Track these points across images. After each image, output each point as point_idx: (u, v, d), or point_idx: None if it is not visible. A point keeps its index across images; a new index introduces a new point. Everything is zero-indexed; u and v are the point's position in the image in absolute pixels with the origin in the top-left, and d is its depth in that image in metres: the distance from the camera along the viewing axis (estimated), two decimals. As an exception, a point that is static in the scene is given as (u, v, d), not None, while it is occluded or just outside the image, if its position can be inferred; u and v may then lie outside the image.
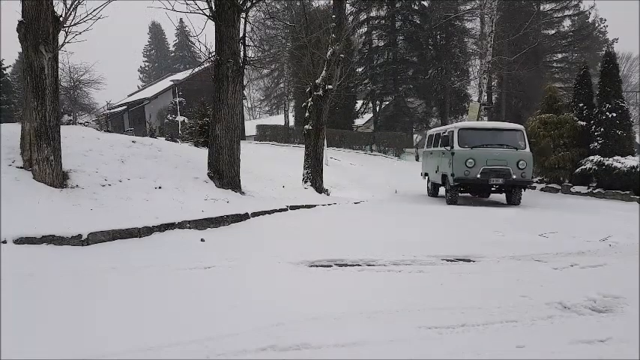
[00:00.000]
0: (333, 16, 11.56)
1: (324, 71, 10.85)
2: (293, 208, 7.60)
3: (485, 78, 20.63)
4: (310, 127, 11.06)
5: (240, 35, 7.72)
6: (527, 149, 10.64)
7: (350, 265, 4.29)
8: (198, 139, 14.36)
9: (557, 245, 5.85)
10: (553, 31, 28.21)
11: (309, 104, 11.18)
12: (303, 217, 7.08)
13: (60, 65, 6.31)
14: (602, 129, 14.46)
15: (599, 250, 5.71)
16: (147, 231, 5.07)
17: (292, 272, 3.93)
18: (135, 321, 2.65)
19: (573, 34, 28.35)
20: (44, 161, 5.47)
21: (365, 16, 28.51)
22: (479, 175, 10.14)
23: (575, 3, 27.69)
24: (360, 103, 29.50)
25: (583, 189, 14.38)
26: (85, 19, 6.01)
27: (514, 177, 10.14)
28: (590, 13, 29.64)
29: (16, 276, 3.38)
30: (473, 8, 25.03)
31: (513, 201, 10.62)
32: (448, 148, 10.74)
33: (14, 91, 29.73)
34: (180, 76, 30.92)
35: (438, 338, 2.57)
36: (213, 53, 7.59)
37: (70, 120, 22.56)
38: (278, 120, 33.08)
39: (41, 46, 5.43)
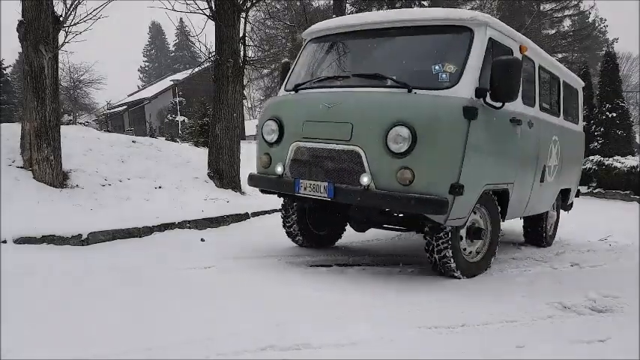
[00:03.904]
0: (334, 16, 11.57)
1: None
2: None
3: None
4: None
5: (240, 35, 7.71)
6: (467, 94, 3.53)
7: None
8: (198, 139, 14.35)
9: (558, 245, 5.87)
10: (553, 31, 28.20)
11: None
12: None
13: (60, 65, 6.32)
14: (602, 129, 14.46)
15: (600, 250, 5.72)
16: (147, 231, 5.07)
17: (292, 271, 3.93)
18: (135, 321, 2.65)
19: (573, 33, 28.34)
20: (44, 161, 5.47)
21: (365, 16, 28.40)
22: (286, 171, 3.96)
23: (575, 3, 27.67)
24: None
25: (583, 189, 14.37)
26: (85, 19, 6.01)
27: (370, 185, 3.48)
28: (590, 13, 29.65)
29: (16, 276, 3.38)
30: (473, 8, 25.06)
31: (440, 269, 3.84)
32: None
33: (14, 90, 29.72)
34: (180, 76, 30.92)
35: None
36: (213, 53, 7.58)
37: (70, 120, 22.56)
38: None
39: (41, 46, 5.43)
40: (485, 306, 3.15)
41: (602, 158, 13.91)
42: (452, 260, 3.77)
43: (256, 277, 3.69)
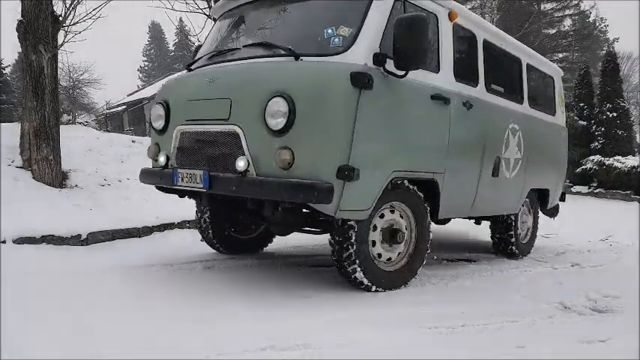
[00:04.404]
0: None
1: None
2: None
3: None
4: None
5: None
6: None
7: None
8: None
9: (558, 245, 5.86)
10: (554, 31, 28.19)
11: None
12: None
13: (59, 65, 6.32)
14: (602, 129, 14.47)
15: (600, 249, 5.72)
16: (147, 231, 5.07)
17: (291, 270, 3.93)
18: (135, 320, 2.64)
19: (574, 33, 28.34)
20: (43, 161, 5.47)
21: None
22: (172, 161, 3.48)
23: (576, 2, 27.68)
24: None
25: (584, 189, 14.36)
26: (84, 19, 6.02)
27: (248, 171, 2.98)
28: (590, 13, 29.63)
29: (16, 276, 3.37)
30: (473, 8, 25.04)
31: (347, 278, 3.30)
32: None
33: (13, 90, 29.72)
34: (180, 75, 30.86)
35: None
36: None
37: (70, 120, 22.57)
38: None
39: (41, 46, 5.43)
40: (485, 306, 3.15)
41: (602, 158, 13.92)
42: (359, 269, 3.17)
43: (253, 276, 3.69)
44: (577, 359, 2.37)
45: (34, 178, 5.46)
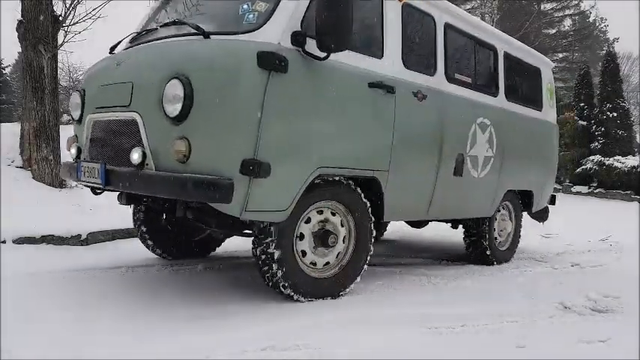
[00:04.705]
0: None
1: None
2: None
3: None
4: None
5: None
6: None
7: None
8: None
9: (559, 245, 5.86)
10: (554, 31, 28.19)
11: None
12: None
13: (59, 65, 6.32)
14: (602, 129, 14.47)
15: (600, 249, 5.72)
16: (146, 231, 5.05)
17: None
18: (135, 320, 2.64)
19: (574, 33, 28.34)
20: (43, 161, 5.47)
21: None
22: (85, 154, 3.20)
23: (576, 2, 27.69)
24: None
25: (584, 189, 14.36)
26: (84, 19, 6.02)
27: (147, 164, 2.67)
28: (590, 13, 29.63)
29: (16, 276, 3.37)
30: (473, 7, 25.04)
31: (270, 285, 2.97)
32: None
33: (13, 90, 29.72)
34: (181, 75, 30.82)
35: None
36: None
37: (70, 120, 22.55)
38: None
39: (40, 46, 5.43)
40: (485, 306, 3.14)
41: (602, 158, 13.92)
42: (279, 273, 2.81)
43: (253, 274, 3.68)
44: (577, 359, 2.36)
45: (33, 178, 5.46)
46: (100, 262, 3.92)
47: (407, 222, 5.04)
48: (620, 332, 2.72)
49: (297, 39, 2.68)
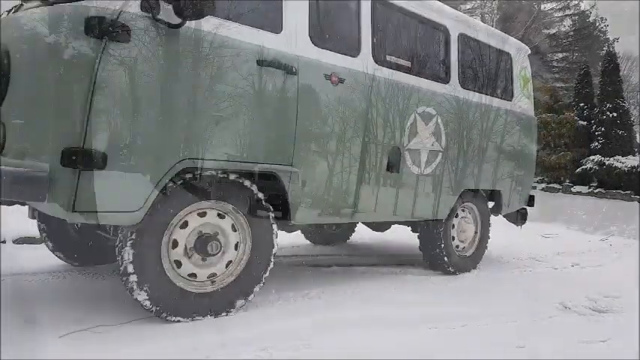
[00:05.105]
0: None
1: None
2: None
3: (485, 78, 20.58)
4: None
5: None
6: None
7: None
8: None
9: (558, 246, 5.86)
10: (554, 31, 28.19)
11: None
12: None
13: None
14: (602, 129, 14.46)
15: (600, 249, 5.72)
16: (147, 231, 5.04)
17: (292, 269, 3.93)
18: (135, 320, 2.64)
19: (574, 33, 28.33)
20: (44, 161, 5.47)
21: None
22: None
23: (576, 2, 27.69)
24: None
25: (584, 189, 14.35)
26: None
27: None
28: (590, 13, 29.61)
29: (16, 276, 3.37)
30: (473, 8, 25.03)
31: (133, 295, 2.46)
32: None
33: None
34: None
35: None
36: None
37: None
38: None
39: None
40: (485, 306, 3.15)
41: (602, 158, 13.92)
42: (138, 287, 2.37)
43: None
44: (577, 359, 2.37)
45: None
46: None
47: (366, 224, 4.51)
48: (620, 332, 2.73)
49: (149, 4, 2.25)
